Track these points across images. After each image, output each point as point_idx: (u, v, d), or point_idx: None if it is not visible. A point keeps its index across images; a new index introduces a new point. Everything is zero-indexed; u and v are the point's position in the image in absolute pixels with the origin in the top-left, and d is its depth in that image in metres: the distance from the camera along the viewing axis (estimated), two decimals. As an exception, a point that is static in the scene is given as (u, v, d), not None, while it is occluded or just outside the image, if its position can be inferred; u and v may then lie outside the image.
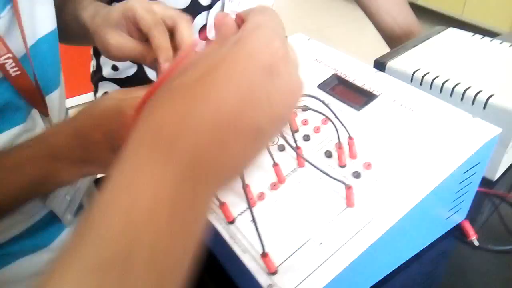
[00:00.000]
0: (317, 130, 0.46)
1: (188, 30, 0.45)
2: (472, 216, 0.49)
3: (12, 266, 0.49)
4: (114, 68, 0.82)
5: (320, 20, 3.13)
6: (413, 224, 0.40)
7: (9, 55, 0.41)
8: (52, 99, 0.50)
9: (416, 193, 0.38)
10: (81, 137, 0.37)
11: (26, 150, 0.38)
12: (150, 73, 0.82)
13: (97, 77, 0.86)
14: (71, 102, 2.21)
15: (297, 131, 0.47)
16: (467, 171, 0.42)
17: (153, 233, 0.19)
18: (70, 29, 0.54)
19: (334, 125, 0.41)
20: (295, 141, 0.44)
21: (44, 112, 0.48)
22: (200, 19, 0.76)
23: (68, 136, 0.38)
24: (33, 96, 0.46)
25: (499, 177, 0.56)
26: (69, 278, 0.18)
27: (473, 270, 0.46)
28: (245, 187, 0.36)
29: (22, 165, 0.38)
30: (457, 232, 0.49)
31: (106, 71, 0.83)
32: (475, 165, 0.42)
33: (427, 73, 0.57)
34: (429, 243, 0.47)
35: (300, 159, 0.43)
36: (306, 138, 0.46)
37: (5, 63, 0.41)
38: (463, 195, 0.45)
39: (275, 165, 0.42)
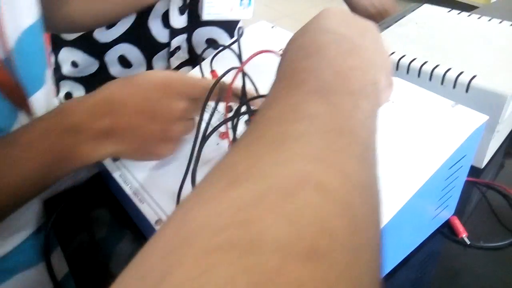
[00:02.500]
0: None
1: None
2: (460, 208, 0.45)
3: (8, 283, 0.45)
4: (74, 64, 0.76)
5: (291, 3, 3.06)
6: (397, 230, 0.36)
7: None
8: (37, 99, 0.45)
9: (398, 198, 0.33)
10: (112, 102, 0.35)
11: (39, 124, 0.35)
12: (113, 70, 0.75)
13: (57, 76, 0.79)
14: None
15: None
16: (453, 166, 0.37)
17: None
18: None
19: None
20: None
21: (29, 113, 0.43)
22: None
23: (95, 105, 0.36)
24: (16, 96, 0.41)
25: (486, 164, 0.52)
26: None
27: (465, 270, 0.42)
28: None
29: (34, 140, 0.34)
30: (445, 229, 0.45)
31: (66, 69, 0.77)
32: (461, 158, 0.38)
33: (403, 56, 0.52)
34: (416, 246, 0.42)
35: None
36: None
37: None
38: (450, 191, 0.41)
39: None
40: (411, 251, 0.42)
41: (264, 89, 0.41)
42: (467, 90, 0.47)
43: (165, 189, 0.41)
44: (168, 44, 0.74)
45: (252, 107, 0.39)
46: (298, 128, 0.19)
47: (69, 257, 0.48)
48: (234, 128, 0.37)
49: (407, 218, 0.35)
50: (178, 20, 0.71)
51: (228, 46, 0.46)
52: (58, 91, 0.81)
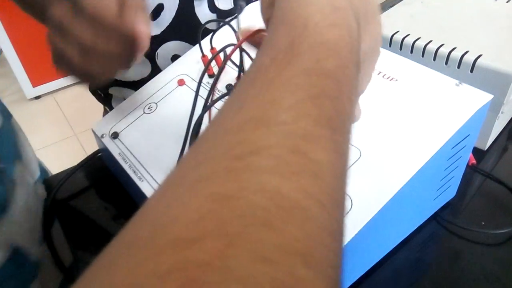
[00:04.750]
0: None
1: None
2: (461, 190, 0.45)
3: None
4: None
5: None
6: (399, 209, 0.36)
7: None
8: None
9: (399, 177, 0.33)
10: None
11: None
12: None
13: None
14: (69, 79, 2.13)
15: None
16: (456, 145, 0.37)
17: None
18: None
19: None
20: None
21: None
22: None
23: None
24: None
25: (489, 146, 0.51)
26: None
27: (465, 252, 0.41)
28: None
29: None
30: (446, 210, 0.44)
31: None
32: (465, 138, 0.37)
33: (407, 35, 0.51)
34: (417, 227, 0.42)
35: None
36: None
37: None
38: (452, 171, 0.40)
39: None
40: (411, 231, 0.42)
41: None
42: (472, 70, 0.46)
43: (164, 167, 0.41)
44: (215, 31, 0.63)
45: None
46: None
47: (70, 238, 0.48)
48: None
49: (408, 197, 0.35)
50: (224, 1, 0.63)
51: (227, 23, 0.45)
52: (109, 100, 0.73)
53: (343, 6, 0.19)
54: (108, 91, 0.70)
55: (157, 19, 0.61)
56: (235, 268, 0.11)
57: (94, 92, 0.73)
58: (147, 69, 0.66)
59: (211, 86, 0.37)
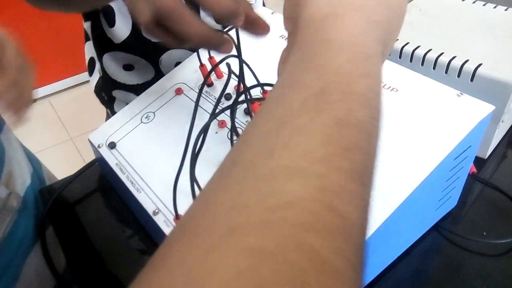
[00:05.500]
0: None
1: None
2: (461, 200, 0.44)
3: None
4: (127, 67, 0.66)
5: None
6: (401, 222, 0.35)
7: None
8: None
9: (402, 190, 0.32)
10: None
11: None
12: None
13: (108, 85, 0.68)
14: (69, 81, 2.13)
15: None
16: (458, 156, 0.37)
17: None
18: None
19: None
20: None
21: None
22: None
23: None
24: None
25: (489, 154, 0.51)
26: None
27: (466, 262, 0.41)
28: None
29: None
30: (446, 221, 0.44)
31: (118, 74, 0.66)
32: (467, 149, 0.37)
33: (406, 44, 0.51)
34: (418, 238, 0.42)
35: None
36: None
37: None
38: (454, 182, 0.40)
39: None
40: (413, 242, 0.41)
41: (263, 77, 0.39)
42: (472, 79, 0.46)
43: (162, 179, 0.40)
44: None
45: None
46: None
47: (65, 246, 0.47)
48: (233, 116, 0.36)
49: (410, 209, 0.34)
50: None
51: (226, 32, 0.44)
52: (112, 103, 0.71)
53: (373, 53, 0.19)
54: (112, 94, 0.70)
55: None
56: None
57: (98, 94, 0.73)
58: (150, 74, 0.66)
59: (217, 99, 0.37)
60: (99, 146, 0.45)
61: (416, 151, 0.34)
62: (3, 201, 0.42)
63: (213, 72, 0.47)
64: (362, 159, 0.16)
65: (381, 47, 0.21)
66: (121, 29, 0.61)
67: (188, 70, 0.49)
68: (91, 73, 0.73)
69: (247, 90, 0.37)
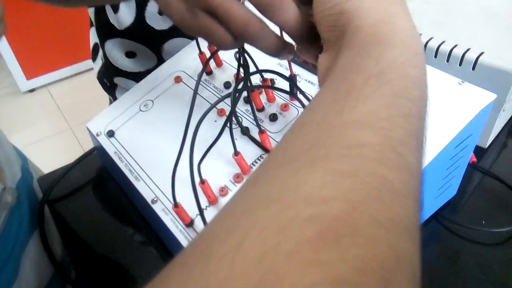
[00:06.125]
0: (285, 107, 0.40)
1: None
2: (461, 189, 0.44)
3: None
4: (130, 54, 0.65)
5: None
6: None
7: None
8: None
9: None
10: None
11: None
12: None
13: (110, 72, 0.68)
14: (69, 70, 2.11)
15: (262, 109, 0.41)
16: (459, 144, 0.36)
17: None
18: None
19: (302, 104, 0.35)
20: (258, 122, 0.38)
21: None
22: None
23: None
24: None
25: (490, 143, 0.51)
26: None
27: (465, 251, 0.41)
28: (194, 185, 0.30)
29: None
30: (446, 209, 0.44)
31: (120, 61, 0.65)
32: (467, 138, 0.37)
33: (408, 32, 0.50)
34: (417, 226, 0.42)
35: (266, 145, 0.37)
36: (273, 118, 0.39)
37: None
38: (454, 170, 0.40)
39: (236, 154, 0.35)
40: (412, 231, 0.41)
41: (263, 64, 0.39)
42: (473, 68, 0.45)
43: (160, 167, 0.40)
44: None
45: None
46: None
47: (63, 234, 0.48)
48: (233, 104, 0.36)
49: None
50: None
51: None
52: (115, 90, 0.71)
53: (421, 52, 0.22)
54: (114, 81, 0.69)
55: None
56: (360, 227, 0.14)
57: (100, 80, 0.73)
58: (152, 62, 0.66)
59: (233, 94, 0.36)
60: (97, 134, 0.45)
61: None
62: None
63: (213, 60, 0.46)
64: (417, 124, 0.19)
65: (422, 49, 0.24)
66: (125, 16, 0.61)
67: (187, 57, 0.49)
68: (94, 59, 0.73)
69: (244, 78, 0.36)
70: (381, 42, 0.22)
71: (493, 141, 0.51)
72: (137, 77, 0.66)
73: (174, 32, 0.63)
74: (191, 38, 0.62)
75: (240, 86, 0.37)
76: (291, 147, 0.18)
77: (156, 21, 0.62)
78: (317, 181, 0.16)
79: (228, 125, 0.36)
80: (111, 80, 0.69)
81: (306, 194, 0.15)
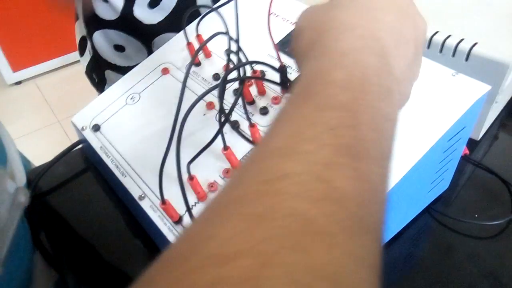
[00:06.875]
0: (275, 100, 0.39)
1: None
2: (453, 182, 0.44)
3: None
4: (118, 48, 0.63)
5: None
6: (394, 204, 0.35)
7: None
8: None
9: (395, 172, 0.31)
10: None
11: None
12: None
13: (99, 64, 0.65)
14: (56, 62, 2.07)
15: (253, 102, 0.40)
16: (452, 137, 0.36)
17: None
18: None
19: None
20: (248, 115, 0.37)
21: None
22: None
23: None
24: None
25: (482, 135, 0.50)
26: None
27: (458, 244, 0.41)
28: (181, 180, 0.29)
29: None
30: (438, 203, 0.44)
31: (109, 54, 0.64)
32: (461, 130, 0.36)
33: (400, 22, 0.49)
34: (410, 220, 0.41)
35: (256, 139, 0.36)
36: (264, 111, 0.38)
37: None
38: (447, 163, 0.39)
39: (226, 149, 0.34)
40: (405, 225, 0.41)
41: (253, 55, 0.38)
42: (467, 59, 0.45)
43: (148, 162, 0.39)
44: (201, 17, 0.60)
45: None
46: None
47: (48, 230, 0.46)
48: (221, 97, 0.34)
49: (403, 192, 0.34)
50: None
51: (215, 9, 0.42)
52: (103, 85, 0.69)
53: (352, 48, 0.21)
54: (104, 75, 0.68)
55: (157, 7, 0.59)
56: None
57: (89, 75, 0.71)
58: (143, 56, 0.64)
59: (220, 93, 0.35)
60: (82, 129, 0.44)
61: (410, 133, 0.33)
62: (12, 197, 0.41)
63: (201, 51, 0.45)
64: (349, 134, 0.17)
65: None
66: (115, 5, 0.59)
67: (174, 48, 0.47)
68: (82, 53, 0.71)
69: (233, 69, 0.35)
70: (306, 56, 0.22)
71: (485, 133, 0.51)
72: (127, 71, 0.65)
73: (163, 27, 0.61)
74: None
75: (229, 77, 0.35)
76: (224, 188, 0.17)
77: (144, 14, 0.60)
78: (228, 232, 0.14)
79: (217, 118, 0.35)
80: (101, 74, 0.68)
81: (213, 251, 0.13)
